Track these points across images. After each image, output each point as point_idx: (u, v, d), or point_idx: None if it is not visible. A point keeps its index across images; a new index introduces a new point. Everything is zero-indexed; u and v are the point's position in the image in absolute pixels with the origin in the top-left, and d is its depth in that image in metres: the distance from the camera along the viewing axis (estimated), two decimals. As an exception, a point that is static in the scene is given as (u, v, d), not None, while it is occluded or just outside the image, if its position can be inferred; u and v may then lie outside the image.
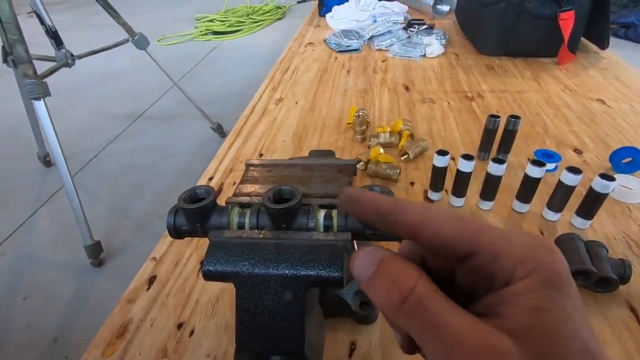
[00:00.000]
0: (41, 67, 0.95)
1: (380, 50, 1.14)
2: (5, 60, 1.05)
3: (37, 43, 1.15)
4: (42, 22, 1.01)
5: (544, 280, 0.13)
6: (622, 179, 0.56)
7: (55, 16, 1.03)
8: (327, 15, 1.37)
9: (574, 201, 0.50)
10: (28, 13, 2.11)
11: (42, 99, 0.90)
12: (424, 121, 0.77)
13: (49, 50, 1.06)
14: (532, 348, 0.11)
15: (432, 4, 1.34)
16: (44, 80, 0.91)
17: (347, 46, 1.15)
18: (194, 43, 2.43)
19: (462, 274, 0.15)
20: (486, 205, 0.54)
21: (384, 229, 0.16)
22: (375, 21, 1.25)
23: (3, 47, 1.02)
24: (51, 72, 1.01)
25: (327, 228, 0.29)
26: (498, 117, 0.60)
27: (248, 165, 0.41)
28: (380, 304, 0.15)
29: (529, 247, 0.13)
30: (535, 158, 0.59)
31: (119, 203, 1.18)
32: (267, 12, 2.73)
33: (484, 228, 0.14)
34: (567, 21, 0.92)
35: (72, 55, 1.07)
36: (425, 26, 1.21)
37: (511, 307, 0.12)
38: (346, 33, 1.21)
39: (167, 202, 1.17)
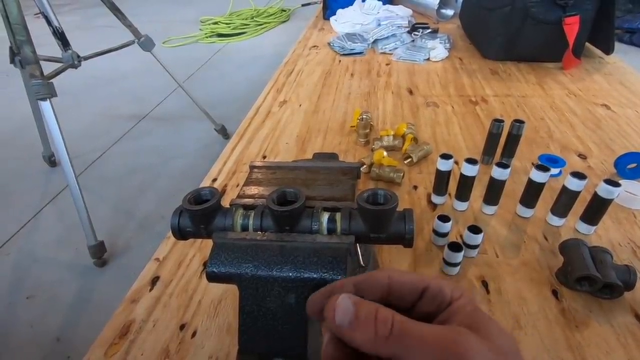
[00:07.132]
0: (48, 68, 0.96)
1: (384, 53, 1.14)
2: (12, 61, 1.06)
3: (44, 44, 1.16)
4: (49, 23, 1.02)
5: (469, 299, 0.20)
6: (627, 185, 0.56)
7: (62, 17, 1.04)
8: (332, 18, 1.38)
9: (579, 207, 0.50)
10: (35, 14, 2.13)
11: (48, 99, 0.90)
12: (427, 125, 0.77)
13: (56, 51, 1.07)
14: (479, 333, 0.18)
15: (436, 8, 1.35)
16: (51, 81, 0.92)
17: (351, 49, 1.15)
18: (199, 45, 2.44)
19: (418, 309, 0.21)
20: (490, 209, 0.54)
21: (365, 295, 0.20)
22: (379, 25, 1.25)
23: (11, 47, 1.03)
24: (57, 73, 1.02)
25: (331, 231, 0.29)
26: (502, 121, 0.60)
27: (252, 167, 0.41)
28: (367, 340, 0.18)
29: (451, 283, 0.21)
30: (540, 163, 0.58)
31: (122, 203, 1.19)
32: (271, 14, 2.74)
33: (423, 275, 0.21)
34: (571, 26, 0.92)
35: (78, 56, 1.07)
36: (430, 30, 1.21)
37: (458, 316, 0.19)
38: (350, 36, 1.21)
39: (170, 203, 1.17)
